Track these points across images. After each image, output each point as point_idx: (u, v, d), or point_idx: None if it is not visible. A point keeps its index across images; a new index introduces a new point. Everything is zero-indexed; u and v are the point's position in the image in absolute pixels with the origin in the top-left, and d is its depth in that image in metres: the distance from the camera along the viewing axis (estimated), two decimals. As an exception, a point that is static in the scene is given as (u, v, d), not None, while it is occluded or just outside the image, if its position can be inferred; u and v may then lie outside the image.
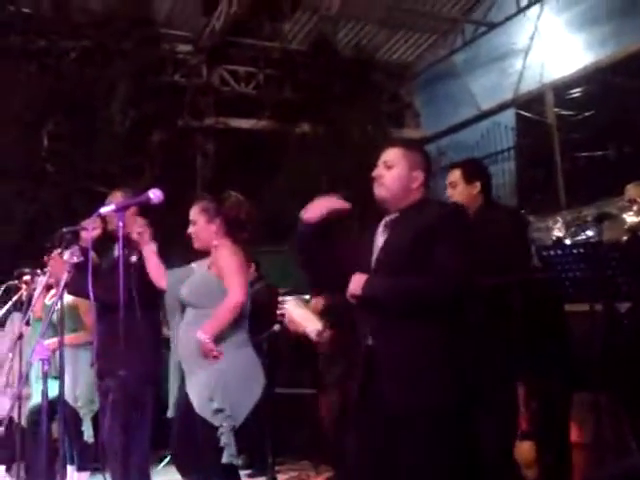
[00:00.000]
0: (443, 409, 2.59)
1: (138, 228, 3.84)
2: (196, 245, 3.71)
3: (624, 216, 4.49)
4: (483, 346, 3.40)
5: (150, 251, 3.84)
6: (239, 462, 3.53)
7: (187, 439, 3.55)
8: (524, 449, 3.29)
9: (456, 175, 3.94)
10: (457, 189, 3.89)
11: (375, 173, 2.87)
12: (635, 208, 4.40)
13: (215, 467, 3.44)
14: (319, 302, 5.49)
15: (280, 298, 6.21)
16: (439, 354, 2.64)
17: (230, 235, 3.69)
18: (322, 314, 5.41)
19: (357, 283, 2.72)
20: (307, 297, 5.90)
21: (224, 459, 3.39)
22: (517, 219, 4.15)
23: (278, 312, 6.08)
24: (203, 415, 3.43)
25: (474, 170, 4.07)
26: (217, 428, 3.41)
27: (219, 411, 3.42)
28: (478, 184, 3.92)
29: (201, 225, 3.72)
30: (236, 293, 3.52)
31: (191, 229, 3.73)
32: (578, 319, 4.65)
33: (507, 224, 3.85)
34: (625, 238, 4.25)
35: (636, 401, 4.30)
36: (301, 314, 5.45)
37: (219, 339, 3.51)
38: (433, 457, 2.58)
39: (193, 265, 3.82)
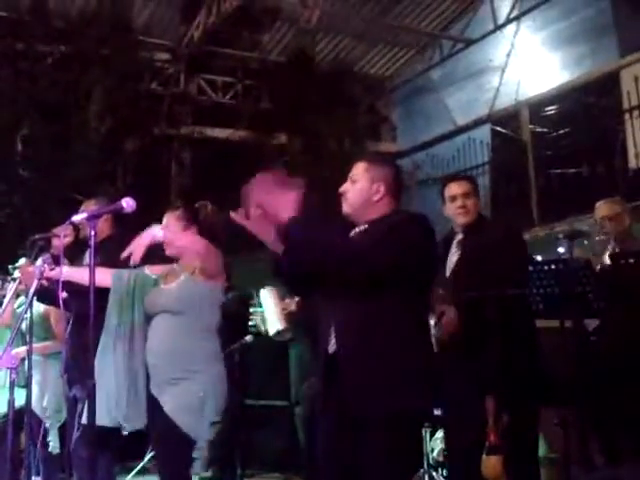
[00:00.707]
0: (403, 415, 2.61)
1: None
2: (168, 252, 3.66)
3: (596, 238, 4.53)
4: (454, 357, 3.43)
5: (62, 274, 3.59)
6: (207, 475, 3.51)
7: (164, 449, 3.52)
8: (491, 463, 3.30)
9: (471, 186, 3.99)
10: (471, 200, 3.94)
11: (342, 189, 2.91)
12: (607, 226, 4.43)
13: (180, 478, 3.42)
14: (292, 303, 5.49)
15: (252, 309, 6.20)
16: (402, 360, 2.65)
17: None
18: (290, 315, 5.42)
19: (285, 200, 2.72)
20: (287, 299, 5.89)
21: (196, 469, 3.38)
22: (517, 233, 4.22)
23: (250, 323, 6.07)
24: (183, 427, 3.39)
25: (477, 186, 4.16)
26: (193, 441, 3.38)
27: (199, 424, 3.40)
28: (478, 198, 4.02)
29: (175, 232, 3.69)
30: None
31: (163, 237, 3.67)
32: (548, 335, 4.70)
33: (509, 239, 3.91)
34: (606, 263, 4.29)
35: (604, 417, 4.34)
36: (270, 306, 5.46)
37: (201, 351, 3.50)
38: (391, 463, 2.61)
39: (147, 270, 3.76)
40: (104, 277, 3.63)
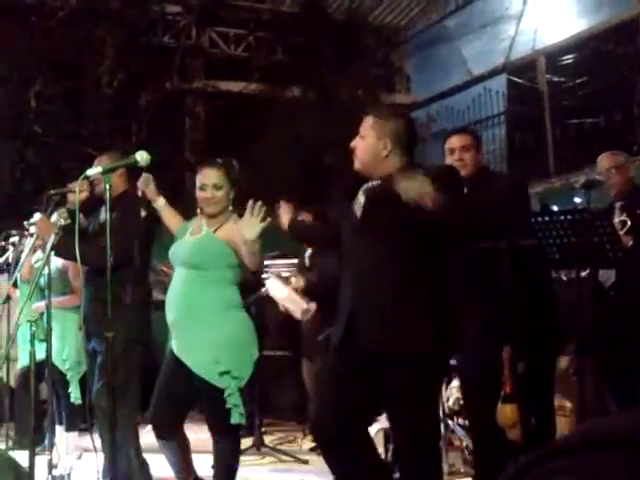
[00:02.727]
0: (420, 358, 2.66)
1: (142, 185, 3.83)
2: (213, 211, 3.65)
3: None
4: (471, 307, 3.45)
5: (162, 204, 3.86)
6: (244, 422, 3.58)
7: (169, 401, 3.59)
8: (507, 411, 3.33)
9: (470, 140, 3.94)
10: (469, 153, 3.91)
11: (352, 145, 2.91)
12: (612, 176, 4.39)
13: (223, 428, 3.50)
14: (299, 281, 5.52)
15: (267, 262, 6.22)
16: (420, 305, 2.71)
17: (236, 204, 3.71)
18: (303, 292, 5.45)
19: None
20: (286, 274, 5.92)
21: (233, 419, 3.44)
22: (521, 185, 4.18)
23: (263, 276, 6.11)
24: (207, 378, 3.45)
25: (480, 140, 4.11)
26: (223, 390, 3.44)
27: (225, 373, 3.45)
28: (481, 152, 3.99)
29: (225, 191, 3.66)
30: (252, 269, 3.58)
31: (212, 194, 3.64)
32: (565, 285, 4.70)
33: (512, 190, 3.88)
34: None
35: (619, 367, 4.36)
36: (283, 294, 5.48)
37: (217, 302, 3.53)
38: (409, 404, 2.68)
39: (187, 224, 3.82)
40: (174, 223, 3.86)
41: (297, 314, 5.42)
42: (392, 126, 2.90)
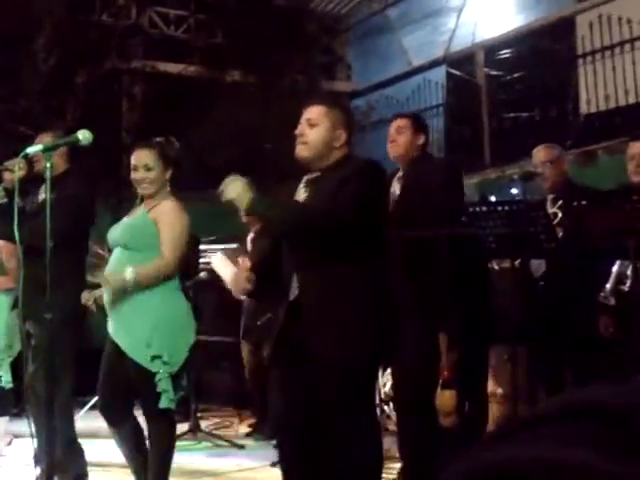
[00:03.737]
0: (359, 359, 2.67)
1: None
2: (146, 192, 3.58)
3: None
4: (406, 294, 3.50)
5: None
6: (174, 407, 3.54)
7: (115, 385, 3.54)
8: (445, 397, 3.41)
9: (405, 122, 4.00)
10: (403, 135, 3.95)
11: (298, 131, 2.87)
12: (546, 170, 4.49)
13: (152, 412, 3.45)
14: (246, 261, 5.51)
15: (204, 247, 6.19)
16: (360, 305, 2.71)
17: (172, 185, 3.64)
18: (250, 271, 5.43)
19: (230, 186, 2.76)
20: (234, 246, 5.89)
21: (162, 404, 3.40)
22: (454, 169, 4.25)
23: (202, 260, 6.07)
24: (139, 361, 3.41)
25: (422, 123, 4.19)
26: (154, 374, 3.40)
27: (156, 357, 3.41)
28: (423, 137, 4.03)
29: (158, 172, 3.58)
30: (170, 259, 3.50)
31: (143, 175, 3.56)
32: (498, 275, 4.81)
33: (444, 174, 3.95)
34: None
35: (548, 356, 4.49)
36: (227, 272, 5.45)
37: (157, 287, 3.50)
38: (345, 404, 2.69)
39: None
40: None
41: (239, 296, 5.39)
42: (345, 117, 2.92)
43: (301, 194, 2.89)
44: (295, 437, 2.81)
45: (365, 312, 2.72)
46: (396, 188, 4.01)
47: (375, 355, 2.80)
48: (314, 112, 2.89)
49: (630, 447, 0.45)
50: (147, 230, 3.52)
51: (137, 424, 3.65)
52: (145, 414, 3.53)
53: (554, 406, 0.52)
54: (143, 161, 3.56)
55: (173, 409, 3.52)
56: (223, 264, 5.45)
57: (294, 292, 2.78)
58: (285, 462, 2.94)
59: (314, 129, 2.86)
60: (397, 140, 3.94)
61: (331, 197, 2.72)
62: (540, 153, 4.59)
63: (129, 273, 3.38)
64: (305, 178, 2.92)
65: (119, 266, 3.50)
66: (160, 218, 3.50)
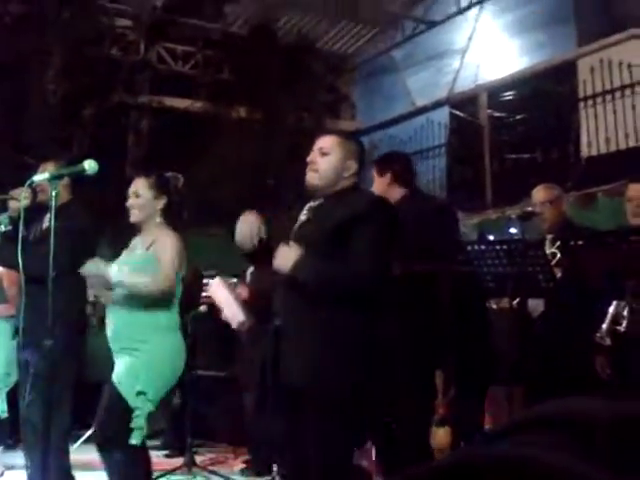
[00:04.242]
0: (340, 391, 2.66)
1: None
2: (133, 219, 3.59)
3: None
4: (405, 332, 3.50)
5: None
6: (145, 443, 3.51)
7: (109, 418, 3.52)
8: (440, 434, 3.40)
9: (373, 171, 4.01)
10: (374, 185, 3.96)
11: (309, 159, 2.91)
12: (545, 210, 4.51)
13: (123, 445, 3.41)
14: (244, 291, 5.53)
15: (205, 281, 6.21)
16: (342, 336, 2.69)
17: (169, 217, 3.64)
18: (245, 303, 5.45)
19: (285, 258, 2.75)
20: (234, 280, 5.91)
21: (133, 439, 3.35)
22: (446, 212, 4.26)
23: (202, 294, 6.09)
24: (123, 394, 3.39)
25: (384, 161, 4.14)
26: (133, 409, 3.39)
27: (141, 393, 3.40)
28: (389, 175, 4.00)
29: (147, 199, 3.58)
30: (164, 273, 3.50)
31: (132, 201, 3.58)
32: (498, 314, 4.82)
33: (434, 216, 3.96)
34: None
35: (546, 395, 4.49)
36: (225, 298, 5.46)
37: (151, 321, 3.50)
38: (326, 437, 2.66)
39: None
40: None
41: (234, 323, 5.39)
42: (356, 148, 2.97)
43: (301, 219, 2.93)
44: (291, 466, 2.81)
45: (346, 344, 2.71)
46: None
47: (356, 388, 2.76)
48: (327, 141, 2.94)
49: (616, 458, 0.47)
50: (149, 267, 3.53)
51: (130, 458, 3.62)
52: (117, 446, 3.47)
53: (534, 415, 0.54)
54: (133, 188, 3.60)
55: (144, 446, 3.48)
56: (220, 289, 5.46)
57: (279, 320, 2.80)
58: None
59: (325, 158, 2.90)
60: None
61: (335, 233, 2.74)
62: (539, 193, 4.62)
63: (115, 272, 3.38)
64: (308, 205, 2.96)
65: (121, 302, 3.51)
66: (157, 247, 3.52)
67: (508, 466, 0.48)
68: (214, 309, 5.61)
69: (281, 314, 2.80)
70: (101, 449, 3.46)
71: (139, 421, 3.38)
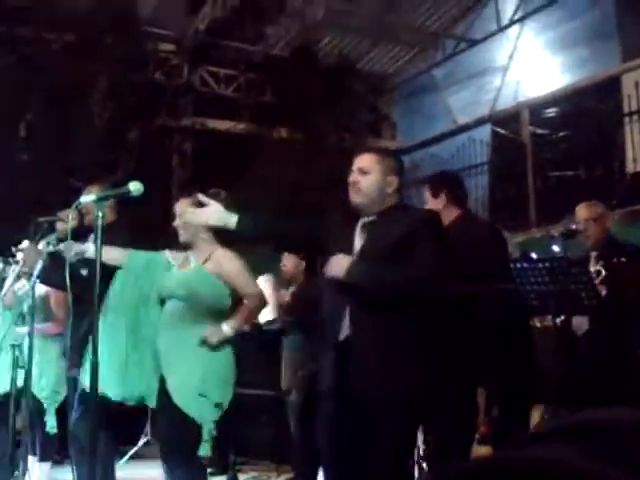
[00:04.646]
0: (409, 404, 2.69)
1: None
2: (182, 238, 3.69)
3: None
4: (450, 349, 3.50)
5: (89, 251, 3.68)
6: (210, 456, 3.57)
7: (173, 431, 3.57)
8: (481, 453, 3.37)
9: (426, 192, 4.01)
10: (427, 206, 3.96)
11: (351, 179, 2.96)
12: (589, 228, 4.46)
13: (190, 460, 3.47)
14: (287, 295, 5.58)
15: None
16: (411, 351, 2.74)
17: (216, 234, 3.71)
18: (284, 306, 5.51)
19: (338, 265, 2.80)
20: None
21: (202, 451, 3.43)
22: (498, 233, 4.25)
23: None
24: (186, 410, 3.45)
25: (438, 183, 4.14)
26: (198, 423, 3.44)
27: (207, 407, 3.45)
28: (443, 196, 4.01)
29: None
30: (254, 291, 3.68)
31: (179, 222, 3.67)
32: (542, 332, 4.77)
33: (488, 237, 3.95)
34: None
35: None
36: (266, 294, 5.54)
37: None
38: (392, 445, 2.69)
39: (167, 254, 3.84)
40: (118, 256, 3.73)
41: (261, 318, 5.46)
42: (396, 165, 3.01)
43: (357, 236, 2.97)
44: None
45: (415, 361, 2.76)
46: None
47: (418, 406, 2.82)
48: (365, 160, 2.99)
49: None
50: (210, 283, 3.61)
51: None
52: (178, 462, 3.53)
53: (567, 423, 0.56)
54: (179, 209, 3.69)
55: (205, 457, 3.54)
56: (265, 284, 5.54)
57: (344, 332, 2.82)
58: None
59: (366, 176, 2.95)
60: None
61: (397, 247, 2.79)
62: (583, 211, 4.59)
63: (227, 329, 3.53)
64: (361, 222, 3.00)
65: (175, 319, 3.59)
66: (222, 267, 3.61)
67: (541, 468, 0.50)
68: (256, 327, 5.67)
69: (350, 330, 2.83)
70: (166, 463, 3.53)
71: (208, 432, 3.44)
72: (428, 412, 2.95)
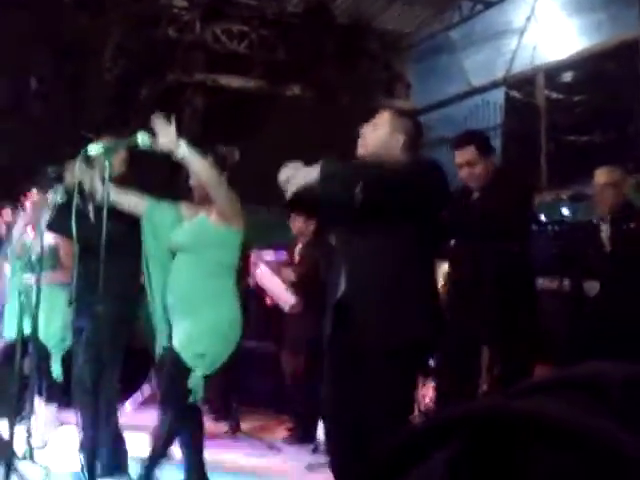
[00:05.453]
0: (410, 345, 2.71)
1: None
2: (202, 195, 3.71)
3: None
4: (455, 307, 3.51)
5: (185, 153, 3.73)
6: (200, 404, 3.63)
7: (168, 379, 3.63)
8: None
9: (471, 153, 3.89)
10: (477, 168, 3.88)
11: (361, 129, 2.99)
12: (606, 193, 4.42)
13: (180, 405, 3.52)
14: (291, 273, 5.61)
15: (254, 256, 6.31)
16: (409, 294, 2.76)
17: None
18: (293, 285, 5.54)
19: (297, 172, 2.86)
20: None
21: (190, 399, 3.48)
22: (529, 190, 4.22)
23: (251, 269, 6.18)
24: (182, 355, 3.49)
25: (488, 143, 4.07)
26: (190, 370, 3.48)
27: (200, 356, 3.49)
28: (492, 159, 3.97)
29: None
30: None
31: (195, 181, 3.70)
32: (546, 294, 4.77)
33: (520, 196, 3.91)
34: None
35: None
36: (274, 284, 5.57)
37: (215, 287, 3.57)
38: (394, 391, 2.72)
39: (183, 207, 3.85)
40: (138, 203, 3.74)
41: (285, 307, 5.52)
42: (407, 124, 3.01)
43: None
44: (345, 434, 2.84)
45: (414, 300, 2.78)
46: (470, 206, 3.96)
47: (425, 344, 2.84)
48: (380, 116, 3.03)
49: (628, 415, 0.48)
50: (215, 232, 3.63)
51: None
52: (174, 405, 3.57)
53: (555, 377, 0.55)
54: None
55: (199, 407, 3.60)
56: (268, 277, 5.59)
57: (341, 289, 2.83)
58: (334, 456, 2.97)
59: (375, 131, 2.96)
60: (474, 174, 3.86)
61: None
62: (602, 175, 4.52)
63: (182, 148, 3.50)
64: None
65: (183, 271, 3.62)
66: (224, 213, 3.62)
67: (529, 421, 0.49)
68: (260, 288, 5.73)
69: (345, 286, 2.83)
70: (161, 408, 3.59)
71: (196, 381, 3.48)
72: (427, 362, 2.98)
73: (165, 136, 3.20)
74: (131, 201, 3.77)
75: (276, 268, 5.79)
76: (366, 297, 2.77)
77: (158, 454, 3.57)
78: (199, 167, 3.59)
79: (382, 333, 2.73)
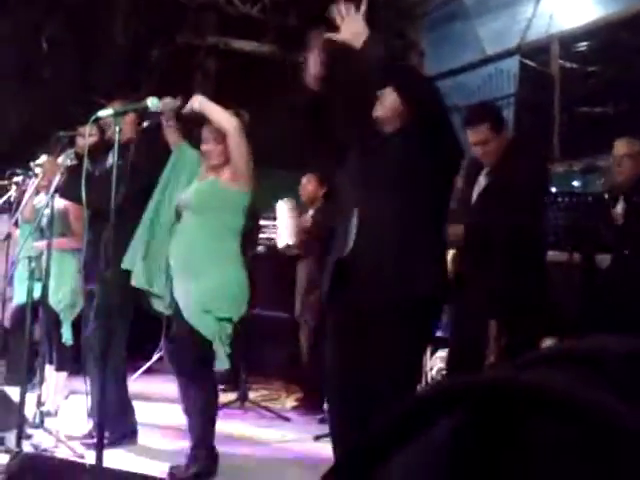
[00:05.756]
0: (416, 300, 2.72)
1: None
2: (215, 162, 3.69)
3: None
4: (465, 277, 3.51)
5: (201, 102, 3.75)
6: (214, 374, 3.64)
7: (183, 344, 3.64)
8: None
9: (485, 132, 3.83)
10: (490, 146, 3.84)
11: (379, 93, 3.01)
12: (624, 164, 4.39)
13: (200, 375, 3.54)
14: (308, 220, 5.61)
15: (264, 222, 6.31)
16: (419, 249, 2.77)
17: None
18: (304, 231, 5.53)
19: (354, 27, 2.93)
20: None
21: (218, 364, 3.50)
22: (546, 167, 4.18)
23: (261, 235, 6.19)
24: (195, 325, 3.50)
25: (500, 118, 3.99)
26: (208, 340, 3.49)
27: (217, 321, 3.49)
28: (505, 132, 3.92)
29: (225, 145, 3.71)
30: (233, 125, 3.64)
31: (212, 147, 3.70)
32: (556, 267, 4.76)
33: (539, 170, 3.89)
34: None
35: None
36: (285, 219, 5.57)
37: (221, 249, 3.56)
38: (401, 348, 2.72)
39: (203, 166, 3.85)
40: (175, 141, 3.77)
41: (279, 244, 5.52)
42: None
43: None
44: (347, 397, 2.85)
45: (423, 256, 2.78)
46: (481, 180, 3.93)
47: (429, 302, 2.83)
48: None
49: (629, 389, 0.48)
50: (224, 194, 3.63)
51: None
52: (189, 375, 3.60)
53: (557, 350, 0.55)
54: (213, 134, 3.67)
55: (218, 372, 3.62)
56: (283, 211, 5.57)
57: (349, 245, 2.84)
58: (335, 422, 2.97)
59: (391, 94, 3.02)
60: (487, 152, 3.82)
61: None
62: (621, 146, 4.48)
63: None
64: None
65: (188, 232, 3.62)
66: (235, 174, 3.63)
67: (531, 393, 0.49)
68: (272, 250, 5.71)
69: (353, 241, 2.83)
70: (178, 377, 3.62)
71: (218, 345, 3.49)
72: (431, 325, 3.00)
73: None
74: (170, 137, 3.76)
75: (295, 209, 5.78)
76: (374, 254, 2.78)
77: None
78: (220, 115, 3.58)
79: (385, 289, 2.73)
